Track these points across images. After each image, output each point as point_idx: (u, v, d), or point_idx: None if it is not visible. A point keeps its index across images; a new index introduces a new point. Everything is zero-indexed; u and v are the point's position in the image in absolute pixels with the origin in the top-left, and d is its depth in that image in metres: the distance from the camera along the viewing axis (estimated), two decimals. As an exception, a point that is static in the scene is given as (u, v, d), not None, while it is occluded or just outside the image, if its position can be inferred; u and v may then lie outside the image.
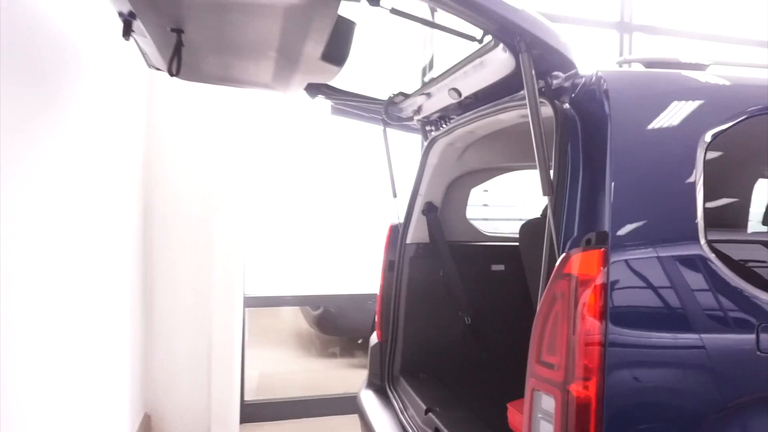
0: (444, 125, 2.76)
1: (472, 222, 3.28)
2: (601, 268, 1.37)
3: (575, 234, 1.52)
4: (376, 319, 3.14)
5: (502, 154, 3.07)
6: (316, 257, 4.44)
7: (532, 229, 2.20)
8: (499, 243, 3.27)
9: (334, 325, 5.32)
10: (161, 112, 3.66)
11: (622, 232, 1.42)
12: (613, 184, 1.45)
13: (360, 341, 5.73)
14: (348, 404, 4.08)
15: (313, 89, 2.75)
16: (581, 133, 1.59)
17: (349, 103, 2.92)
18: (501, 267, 3.19)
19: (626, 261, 1.40)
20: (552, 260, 1.52)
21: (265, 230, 4.29)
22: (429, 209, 2.98)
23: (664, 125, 1.55)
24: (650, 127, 1.54)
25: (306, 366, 5.63)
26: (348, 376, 5.17)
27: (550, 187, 1.54)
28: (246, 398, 4.04)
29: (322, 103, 2.96)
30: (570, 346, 1.35)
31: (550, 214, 1.55)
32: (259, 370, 5.10)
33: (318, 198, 4.39)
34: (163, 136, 3.67)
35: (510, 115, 2.07)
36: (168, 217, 3.68)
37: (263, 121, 4.20)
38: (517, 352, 3.27)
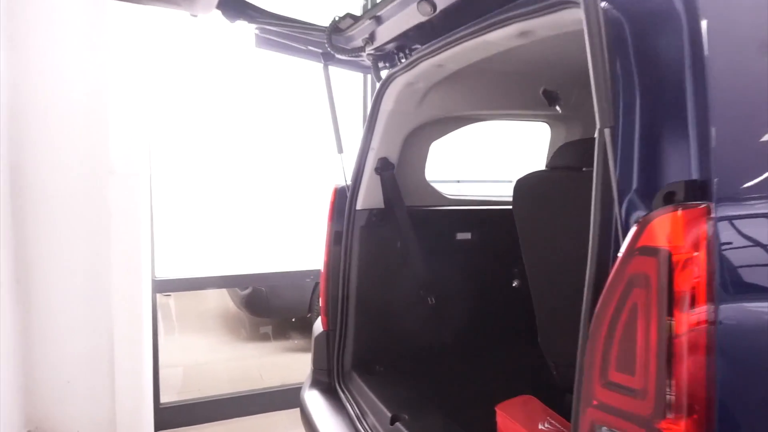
0: (403, 59, 2.18)
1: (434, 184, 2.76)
2: (705, 235, 0.86)
3: (635, 186, 1.02)
4: (321, 304, 2.57)
5: (475, 98, 2.54)
6: (244, 230, 3.76)
7: (535, 186, 1.69)
8: (465, 207, 2.77)
9: (265, 306, 4.69)
10: (29, 48, 2.81)
11: (726, 181, 0.92)
12: (710, 111, 0.95)
13: (293, 320, 5.15)
14: (287, 398, 3.52)
15: (231, 9, 2.08)
16: (636, 43, 1.08)
17: (279, 31, 2.26)
18: (467, 236, 2.70)
19: (737, 223, 0.91)
20: (606, 229, 1.01)
21: (179, 199, 3.54)
22: (383, 167, 2.42)
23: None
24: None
25: (236, 353, 4.99)
26: (285, 363, 4.59)
27: (610, 115, 1.02)
28: (163, 400, 3.37)
29: (246, 31, 2.28)
30: (659, 360, 0.86)
31: (602, 157, 1.04)
32: (181, 363, 4.41)
33: (245, 157, 3.68)
34: (34, 79, 2.83)
35: (504, 33, 1.52)
36: (47, 184, 2.88)
37: (172, 59, 3.41)
38: (491, 336, 2.89)
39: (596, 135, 1.08)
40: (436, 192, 2.75)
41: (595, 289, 1.02)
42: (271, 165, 3.74)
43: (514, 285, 2.67)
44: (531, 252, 1.70)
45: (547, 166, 1.60)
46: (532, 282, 1.73)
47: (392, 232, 2.51)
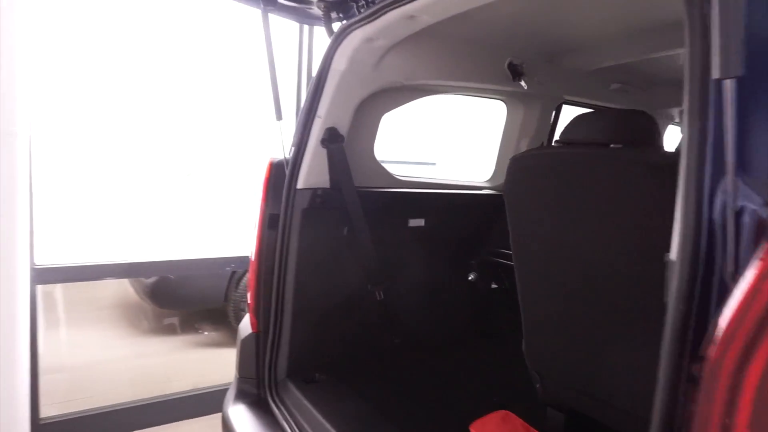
0: (363, 8, 1.80)
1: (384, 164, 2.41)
2: None
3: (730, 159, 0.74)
4: (249, 300, 2.15)
5: (436, 66, 2.21)
6: (150, 210, 3.19)
7: (544, 165, 1.36)
8: (418, 191, 2.45)
9: (174, 296, 4.13)
10: None
11: None
12: None
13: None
14: (201, 404, 3.05)
15: None
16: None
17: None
18: (420, 222, 2.39)
19: None
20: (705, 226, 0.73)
21: (70, 170, 2.91)
22: (331, 139, 2.03)
23: None
24: None
25: (137, 350, 4.37)
26: (197, 361, 4.08)
27: (737, 59, 0.72)
28: (44, 414, 2.78)
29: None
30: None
31: (698, 129, 0.75)
32: (68, 366, 3.76)
33: (155, 123, 3.09)
34: None
35: None
36: None
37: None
38: (448, 336, 2.62)
39: (686, 97, 0.79)
40: (385, 172, 2.41)
41: (684, 311, 0.73)
42: (187, 133, 3.20)
43: (470, 278, 2.40)
44: (525, 245, 1.41)
45: (558, 141, 1.32)
46: (521, 280, 1.46)
47: (338, 217, 2.14)
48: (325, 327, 2.15)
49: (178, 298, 4.15)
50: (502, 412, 1.63)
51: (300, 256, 2.04)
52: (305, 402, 1.92)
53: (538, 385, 1.58)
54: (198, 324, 4.79)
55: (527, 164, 1.35)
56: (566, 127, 1.30)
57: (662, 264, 1.04)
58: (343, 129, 2.07)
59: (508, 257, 2.38)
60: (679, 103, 3.15)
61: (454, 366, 2.28)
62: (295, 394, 1.99)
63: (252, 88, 2.92)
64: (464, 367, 2.28)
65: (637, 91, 2.92)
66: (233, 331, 4.56)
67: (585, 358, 1.33)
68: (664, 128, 3.34)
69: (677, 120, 3.39)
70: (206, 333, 4.69)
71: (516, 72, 2.42)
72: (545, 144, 2.81)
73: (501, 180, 2.80)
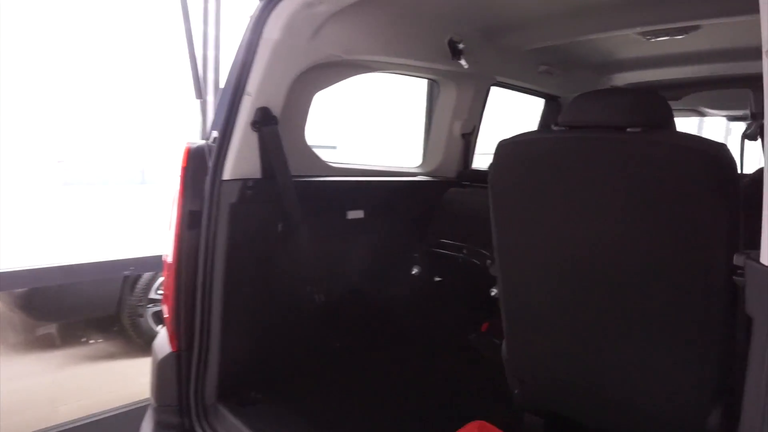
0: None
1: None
2: None
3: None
4: (167, 313, 1.81)
5: (376, 40, 1.98)
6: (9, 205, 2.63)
7: (544, 151, 1.16)
8: (357, 179, 2.22)
9: (53, 307, 3.54)
10: None
11: None
12: None
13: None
14: (99, 435, 2.61)
15: None
16: None
17: None
18: (360, 214, 2.17)
19: None
20: None
21: None
22: (264, 120, 1.74)
23: None
24: None
25: (8, 371, 3.70)
26: (85, 375, 3.53)
27: None
28: None
29: None
30: None
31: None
32: None
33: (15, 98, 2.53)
34: None
35: None
36: None
37: None
38: (399, 338, 2.39)
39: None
40: (318, 159, 2.15)
41: None
42: (59, 111, 2.67)
43: (413, 272, 2.23)
44: (515, 243, 1.25)
45: (558, 124, 1.16)
46: (507, 280, 1.30)
47: (272, 212, 1.85)
48: (260, 338, 1.87)
49: (59, 308, 3.56)
50: (478, 423, 1.48)
51: (228, 259, 1.73)
52: (241, 426, 1.64)
53: (516, 391, 1.45)
54: (83, 333, 4.19)
55: (522, 151, 1.18)
56: (569, 109, 1.15)
57: (698, 259, 0.94)
58: (277, 109, 1.78)
59: (451, 248, 2.24)
60: (594, 86, 3.21)
61: (406, 369, 2.11)
62: (228, 419, 1.71)
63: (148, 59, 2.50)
64: (418, 370, 2.12)
65: (560, 75, 2.91)
66: (128, 339, 4.03)
67: (588, 362, 1.22)
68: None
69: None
70: (94, 343, 4.11)
71: (456, 50, 2.27)
72: (476, 127, 2.71)
73: (434, 165, 2.65)
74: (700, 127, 5.11)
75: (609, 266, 1.07)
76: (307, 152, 2.10)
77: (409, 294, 2.34)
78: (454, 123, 2.63)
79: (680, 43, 2.43)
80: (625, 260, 1.04)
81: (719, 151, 0.92)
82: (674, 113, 3.46)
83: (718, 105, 3.22)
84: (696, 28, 2.15)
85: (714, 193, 0.91)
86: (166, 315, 1.81)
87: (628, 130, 1.06)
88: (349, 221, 2.12)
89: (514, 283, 1.30)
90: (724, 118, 3.45)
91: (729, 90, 3.02)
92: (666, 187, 0.97)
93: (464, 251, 2.17)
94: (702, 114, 3.46)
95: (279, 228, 1.88)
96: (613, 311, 1.11)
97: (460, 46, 2.26)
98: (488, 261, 2.08)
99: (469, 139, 2.69)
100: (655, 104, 1.10)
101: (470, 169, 2.72)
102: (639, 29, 2.21)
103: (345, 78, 2.16)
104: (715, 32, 2.26)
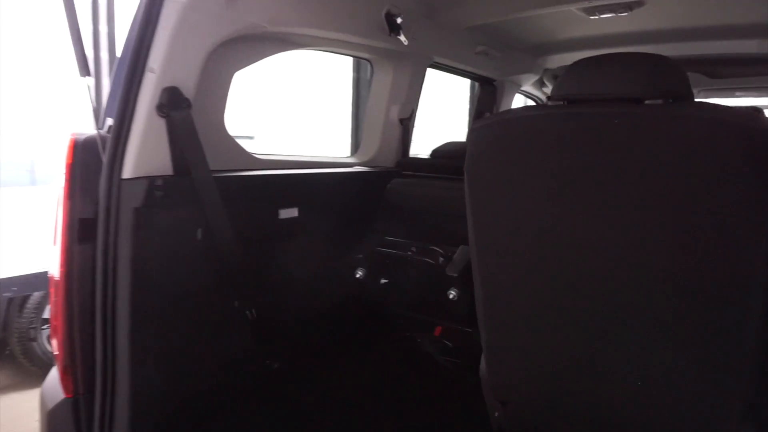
0: None
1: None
2: None
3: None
4: (55, 349, 1.44)
5: (304, 10, 1.69)
6: None
7: (541, 129, 0.93)
8: (288, 172, 1.93)
9: None
10: None
11: None
12: None
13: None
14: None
15: None
16: None
17: None
18: (293, 212, 1.88)
19: None
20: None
21: None
22: (173, 103, 1.41)
23: None
24: None
25: None
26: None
27: None
28: None
29: None
30: None
31: None
32: None
33: None
34: None
35: None
36: None
37: None
38: (345, 352, 2.09)
39: None
40: (241, 150, 1.84)
41: None
42: None
43: (358, 276, 1.98)
44: (499, 240, 1.03)
45: (552, 98, 0.95)
46: (487, 280, 1.07)
47: (189, 215, 1.53)
48: (181, 369, 1.55)
49: None
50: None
51: (135, 276, 1.40)
52: None
53: (496, 414, 1.25)
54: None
55: (509, 132, 0.96)
56: (566, 79, 0.94)
57: (736, 256, 0.78)
58: (189, 90, 1.45)
59: (398, 247, 2.01)
60: (530, 70, 3.10)
61: (355, 386, 1.86)
62: None
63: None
64: (369, 386, 1.88)
65: (497, 56, 2.76)
66: (20, 367, 3.47)
67: (590, 380, 1.03)
68: (511, 96, 3.28)
69: (523, 88, 3.36)
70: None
71: (393, 24, 2.03)
72: (414, 111, 2.49)
73: (371, 154, 2.41)
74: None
75: (621, 267, 0.88)
76: (228, 142, 1.78)
77: (355, 300, 2.09)
78: (391, 107, 2.39)
79: (624, 22, 2.35)
80: (642, 259, 0.86)
81: (760, 123, 0.76)
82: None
83: None
84: (641, 4, 2.05)
85: (758, 176, 0.74)
86: (55, 351, 1.44)
87: (647, 102, 0.87)
88: (282, 221, 1.83)
89: (497, 288, 1.08)
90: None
91: None
92: (696, 171, 0.79)
93: (413, 249, 1.95)
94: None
95: (198, 235, 1.56)
96: (625, 318, 0.92)
97: (398, 20, 2.02)
98: (441, 259, 1.88)
99: (407, 125, 2.46)
100: (675, 72, 0.92)
101: (409, 157, 2.50)
102: (583, 4, 2.09)
103: (269, 54, 1.85)
104: (659, 11, 2.19)
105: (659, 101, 0.86)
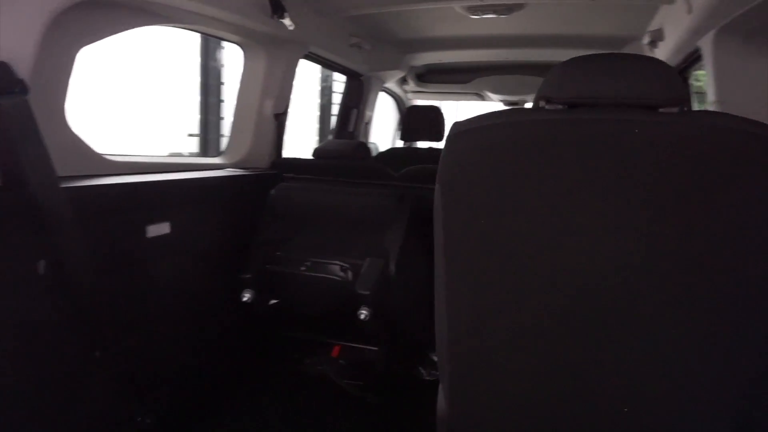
0: None
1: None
2: None
3: None
4: None
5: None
6: None
7: (540, 135, 0.71)
8: (153, 178, 1.54)
9: None
10: None
11: None
12: None
13: None
14: None
15: None
16: None
17: None
18: (164, 228, 1.51)
19: None
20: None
21: None
22: (1, 86, 0.99)
23: None
24: None
25: None
26: None
27: None
28: None
29: None
30: None
31: None
32: None
33: None
34: None
35: None
36: None
37: None
38: (226, 389, 1.67)
39: None
40: (88, 150, 1.42)
41: None
42: None
43: (245, 299, 1.68)
44: (479, 258, 0.84)
45: (551, 100, 0.79)
46: (458, 303, 0.88)
47: (25, 241, 1.11)
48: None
49: None
50: None
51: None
52: None
53: None
54: None
55: (500, 138, 0.78)
56: (569, 79, 0.80)
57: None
58: (24, 69, 1.04)
59: (291, 262, 1.74)
60: (397, 67, 3.03)
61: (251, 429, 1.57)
62: None
63: None
64: (266, 425, 1.59)
65: (368, 50, 2.63)
66: None
67: (590, 419, 0.91)
68: (376, 93, 3.18)
69: (386, 85, 3.29)
70: None
71: (277, 5, 1.75)
72: (288, 107, 2.22)
73: (242, 154, 2.10)
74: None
75: (637, 288, 0.78)
76: (71, 140, 1.36)
77: (243, 328, 1.78)
78: (264, 101, 2.10)
79: (500, 25, 2.38)
80: (662, 279, 0.77)
81: None
82: (458, 96, 3.50)
83: (507, 90, 3.37)
84: (521, 6, 2.07)
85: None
86: None
87: (661, 110, 0.79)
88: (151, 241, 1.45)
89: (471, 314, 0.91)
90: (501, 103, 3.66)
91: (526, 76, 3.18)
92: (718, 181, 0.72)
93: (307, 264, 1.71)
94: (482, 98, 3.61)
95: (41, 268, 1.14)
96: (640, 342, 0.82)
97: (281, 2, 1.76)
98: (343, 274, 1.67)
99: (282, 121, 2.19)
100: (679, 78, 0.85)
101: (287, 157, 2.24)
102: (467, 2, 2.05)
103: (123, 29, 1.46)
104: (535, 17, 2.24)
105: (674, 109, 0.79)
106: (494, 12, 2.12)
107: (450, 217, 0.87)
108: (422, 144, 3.18)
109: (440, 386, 1.06)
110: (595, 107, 0.81)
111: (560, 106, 0.83)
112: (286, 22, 1.81)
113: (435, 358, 2.03)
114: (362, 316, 1.54)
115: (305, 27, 2.05)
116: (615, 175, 0.77)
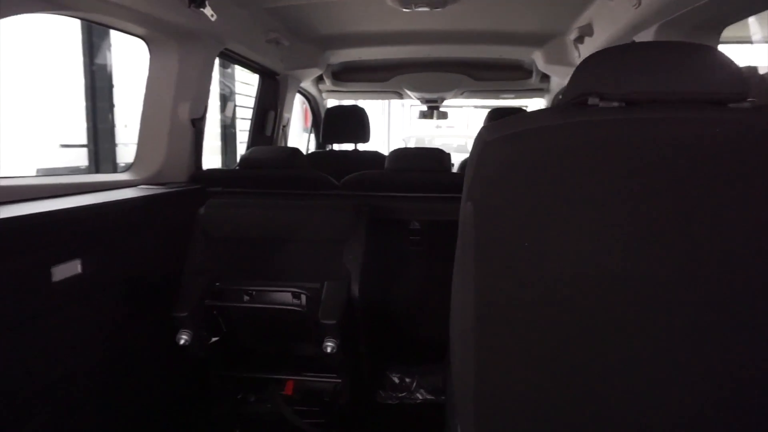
0: None
1: None
2: None
3: None
4: None
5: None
6: None
7: (597, 137, 0.58)
8: (55, 205, 1.22)
9: None
10: None
11: None
12: None
13: None
14: None
15: None
16: None
17: None
18: (74, 267, 1.20)
19: None
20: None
21: None
22: None
23: None
24: None
25: None
26: None
27: None
28: None
29: None
30: None
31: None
32: None
33: None
34: None
35: None
36: None
37: None
38: None
39: None
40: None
41: None
42: None
43: (182, 342, 1.40)
44: (519, 284, 0.68)
45: (604, 97, 0.64)
46: (490, 334, 0.72)
47: None
48: None
49: None
50: None
51: None
52: None
53: None
54: None
55: (548, 145, 0.62)
56: (622, 72, 0.65)
57: None
58: None
59: (228, 295, 1.48)
60: (316, 65, 2.81)
61: None
62: None
63: None
64: None
65: (285, 46, 2.40)
66: None
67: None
68: (293, 93, 2.94)
69: (302, 84, 3.06)
70: None
71: (196, -3, 1.49)
72: (205, 113, 1.94)
73: (156, 167, 1.79)
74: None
75: (719, 316, 0.67)
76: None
77: (179, 375, 1.49)
78: (179, 104, 1.81)
79: (429, 20, 2.27)
80: (746, 301, 0.67)
81: None
82: (376, 95, 3.36)
83: (427, 88, 3.29)
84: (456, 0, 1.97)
85: None
86: None
87: (731, 105, 0.69)
88: (59, 285, 1.14)
89: (508, 342, 0.75)
90: (419, 101, 3.58)
91: (447, 74, 3.11)
92: None
93: (251, 294, 1.47)
94: (401, 96, 3.51)
95: None
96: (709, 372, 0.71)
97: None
98: (296, 301, 1.46)
99: (200, 127, 1.91)
100: (740, 69, 0.75)
101: (209, 169, 1.95)
102: None
103: (5, 14, 1.13)
104: (467, 11, 2.15)
105: (744, 104, 0.69)
106: (428, 5, 1.99)
107: (484, 237, 0.71)
108: (344, 146, 3.01)
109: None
110: (655, 104, 0.69)
111: (615, 104, 0.70)
112: (207, 12, 1.55)
113: (395, 379, 1.89)
114: (329, 349, 1.34)
115: (223, 20, 1.79)
116: (678, 180, 0.66)
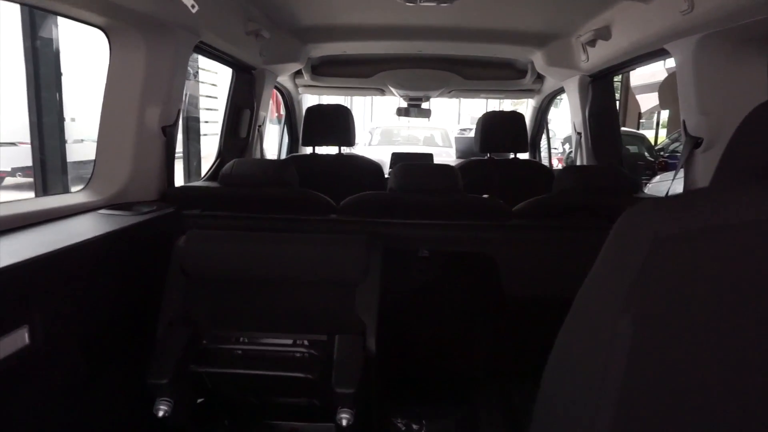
0: None
1: None
2: None
3: None
4: None
5: None
6: None
7: None
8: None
9: None
10: None
11: None
12: None
13: None
14: None
15: None
16: None
17: None
18: (21, 338, 0.91)
19: None
20: None
21: None
22: None
23: None
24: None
25: None
26: None
27: None
28: None
29: None
30: None
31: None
32: None
33: None
34: None
35: None
36: None
37: None
38: None
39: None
40: None
41: None
42: None
43: (161, 416, 1.13)
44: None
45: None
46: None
47: None
48: None
49: None
50: None
51: None
52: None
53: None
54: None
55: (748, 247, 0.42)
56: None
57: None
58: None
59: (217, 357, 1.21)
60: (296, 59, 2.53)
61: None
62: None
63: None
64: None
65: (264, 38, 2.11)
66: None
67: None
68: (270, 89, 2.64)
69: (279, 79, 2.76)
70: None
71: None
72: (178, 119, 1.64)
73: (118, 185, 1.49)
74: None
75: None
76: None
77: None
78: (146, 108, 1.51)
79: (428, 15, 2.03)
80: None
81: None
82: (356, 92, 3.10)
83: (413, 86, 3.06)
84: None
85: None
86: None
87: None
88: (1, 364, 0.86)
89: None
90: (401, 99, 3.35)
91: (436, 71, 2.88)
92: None
93: (239, 352, 1.20)
94: (383, 93, 3.27)
95: None
96: None
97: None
98: (306, 356, 1.21)
99: (172, 135, 1.61)
100: None
101: (183, 186, 1.66)
102: None
103: None
104: (476, 7, 1.93)
105: None
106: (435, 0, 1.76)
107: (642, 358, 0.50)
108: (326, 150, 2.75)
109: None
110: None
111: None
112: (187, 2, 1.26)
113: (401, 425, 1.67)
114: (344, 422, 1.11)
115: (203, 9, 1.49)
116: None
